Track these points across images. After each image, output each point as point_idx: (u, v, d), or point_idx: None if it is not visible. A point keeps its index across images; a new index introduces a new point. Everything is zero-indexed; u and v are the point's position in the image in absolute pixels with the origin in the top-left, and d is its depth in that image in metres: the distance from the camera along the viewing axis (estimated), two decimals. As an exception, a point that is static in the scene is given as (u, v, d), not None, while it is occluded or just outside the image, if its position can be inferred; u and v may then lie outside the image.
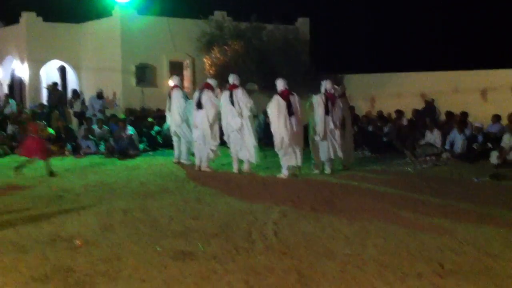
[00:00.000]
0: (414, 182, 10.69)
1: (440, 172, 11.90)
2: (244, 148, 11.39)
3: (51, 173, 11.16)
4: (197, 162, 11.94)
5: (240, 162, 11.62)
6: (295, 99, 10.97)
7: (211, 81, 12.10)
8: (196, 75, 19.49)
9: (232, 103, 11.28)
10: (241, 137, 11.33)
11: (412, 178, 11.25)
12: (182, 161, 12.67)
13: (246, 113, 11.26)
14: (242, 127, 11.29)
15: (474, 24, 22.50)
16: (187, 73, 19.59)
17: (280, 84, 11.08)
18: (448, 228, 7.22)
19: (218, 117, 11.69)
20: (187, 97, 12.63)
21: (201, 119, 11.60)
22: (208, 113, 11.57)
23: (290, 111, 10.83)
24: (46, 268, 5.66)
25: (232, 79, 11.52)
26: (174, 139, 12.89)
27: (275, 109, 10.91)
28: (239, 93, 11.31)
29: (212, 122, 11.61)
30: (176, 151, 12.92)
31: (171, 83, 13.31)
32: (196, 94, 11.97)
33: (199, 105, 11.65)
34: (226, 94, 11.47)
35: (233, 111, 11.28)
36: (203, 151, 11.74)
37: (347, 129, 11.90)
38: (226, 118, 11.47)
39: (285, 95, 10.95)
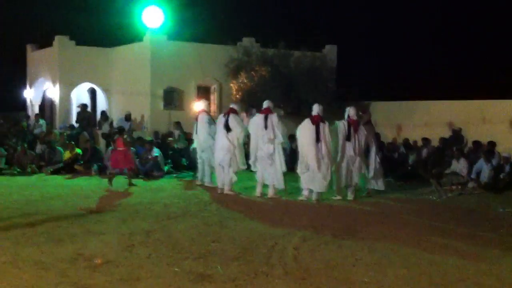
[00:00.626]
0: (439, 211, 10.54)
1: (465, 202, 11.72)
2: (272, 173, 11.44)
3: (131, 184, 12.55)
4: (219, 185, 11.99)
5: (264, 186, 11.64)
6: (325, 126, 11.05)
7: (236, 106, 12.22)
8: (222, 99, 19.66)
9: (265, 127, 11.37)
10: (271, 163, 11.40)
11: (437, 207, 11.10)
12: (206, 184, 12.74)
13: (280, 139, 11.39)
14: (274, 153, 11.38)
15: (503, 53, 22.32)
16: (213, 97, 19.78)
17: (315, 109, 11.25)
18: (472, 259, 7.09)
19: (244, 140, 11.81)
20: (213, 121, 12.74)
21: (230, 142, 11.66)
22: (238, 136, 11.68)
23: (318, 137, 10.89)
24: (65, 286, 5.73)
25: (268, 104, 11.66)
26: (199, 161, 13.02)
27: (303, 132, 11.11)
28: (274, 119, 11.42)
29: (240, 145, 11.75)
30: (199, 174, 13.04)
31: (199, 106, 13.48)
32: (221, 119, 12.05)
33: (228, 128, 11.73)
34: (259, 117, 11.54)
35: (265, 136, 11.37)
36: (227, 174, 11.79)
37: (371, 155, 11.84)
38: (256, 142, 11.54)
39: (315, 121, 11.06)
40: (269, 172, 11.47)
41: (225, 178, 11.83)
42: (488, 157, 13.57)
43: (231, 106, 12.25)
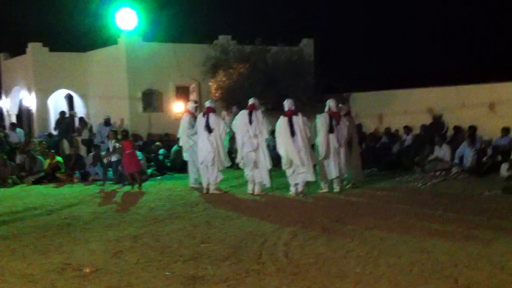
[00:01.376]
0: (425, 198, 10.59)
1: (450, 187, 11.79)
2: (258, 170, 11.44)
3: (140, 186, 12.75)
4: (204, 185, 11.92)
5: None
6: (298, 119, 11.05)
7: (212, 104, 12.15)
8: (202, 99, 19.54)
9: (250, 122, 11.36)
10: (256, 159, 11.38)
11: (423, 194, 11.15)
12: (190, 185, 12.57)
13: (265, 135, 11.43)
14: (258, 148, 11.38)
15: (481, 37, 22.52)
16: (193, 97, 19.64)
17: (286, 105, 11.30)
18: (462, 244, 7.12)
19: (230, 136, 11.88)
20: (194, 121, 12.46)
21: (211, 141, 11.61)
22: (220, 134, 11.66)
23: (293, 131, 10.90)
24: (56, 298, 5.62)
25: (253, 100, 11.66)
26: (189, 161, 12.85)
27: (279, 129, 11.18)
28: (259, 115, 11.44)
29: (223, 143, 11.73)
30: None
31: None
32: (200, 119, 11.93)
33: (209, 129, 11.66)
34: (243, 113, 11.55)
35: (250, 131, 11.37)
36: (212, 173, 11.72)
37: (353, 147, 11.88)
38: (242, 139, 11.51)
39: (288, 115, 11.09)
40: (255, 169, 11.46)
41: (210, 177, 11.76)
42: (471, 141, 13.67)
43: (207, 105, 12.12)
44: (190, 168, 12.54)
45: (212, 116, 11.73)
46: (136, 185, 12.81)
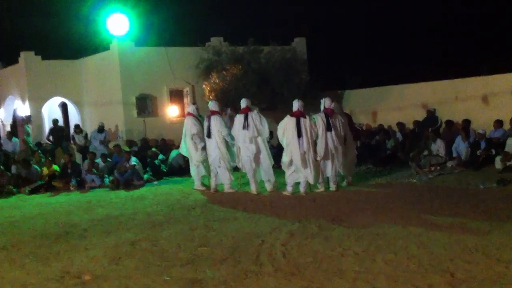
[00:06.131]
0: (421, 194, 10.64)
1: (446, 181, 11.84)
2: (262, 169, 11.71)
3: None
4: (212, 185, 12.24)
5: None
6: (305, 121, 11.09)
7: (214, 105, 12.21)
8: (196, 102, 19.55)
9: (244, 127, 11.47)
10: (257, 160, 11.61)
11: (418, 189, 11.20)
12: (195, 187, 12.77)
13: (265, 134, 11.61)
14: (260, 149, 11.60)
15: (471, 31, 22.57)
16: (187, 100, 19.67)
17: (295, 105, 11.32)
18: (458, 237, 7.17)
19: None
20: (198, 121, 12.51)
21: (214, 147, 11.93)
22: (220, 138, 11.89)
23: (299, 133, 10.93)
24: (56, 306, 5.64)
25: (245, 103, 11.74)
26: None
27: (284, 128, 11.24)
28: (255, 116, 11.55)
29: (225, 146, 11.93)
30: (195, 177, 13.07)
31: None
32: (205, 123, 12.15)
33: (209, 134, 11.96)
34: (240, 118, 11.67)
35: (246, 135, 11.48)
36: (223, 174, 12.02)
37: (348, 144, 11.90)
38: (238, 144, 11.75)
39: (296, 116, 11.14)
40: (261, 168, 11.73)
41: (222, 179, 12.08)
42: (466, 135, 13.72)
43: (210, 108, 12.23)
44: (197, 171, 12.71)
45: (213, 121, 11.93)
46: None
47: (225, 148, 11.99)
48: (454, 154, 13.66)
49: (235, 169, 12.39)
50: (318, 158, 11.25)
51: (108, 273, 6.65)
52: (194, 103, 13.81)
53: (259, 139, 11.60)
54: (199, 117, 12.58)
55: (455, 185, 11.34)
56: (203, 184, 12.72)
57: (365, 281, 5.73)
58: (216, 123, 11.93)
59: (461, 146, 13.62)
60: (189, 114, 12.72)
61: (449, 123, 15.11)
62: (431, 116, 15.80)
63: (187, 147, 12.60)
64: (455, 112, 15.70)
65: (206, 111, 12.65)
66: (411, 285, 5.50)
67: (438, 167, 13.29)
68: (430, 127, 15.12)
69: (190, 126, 12.41)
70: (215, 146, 11.98)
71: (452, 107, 16.04)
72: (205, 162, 12.42)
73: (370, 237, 7.46)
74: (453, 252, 6.54)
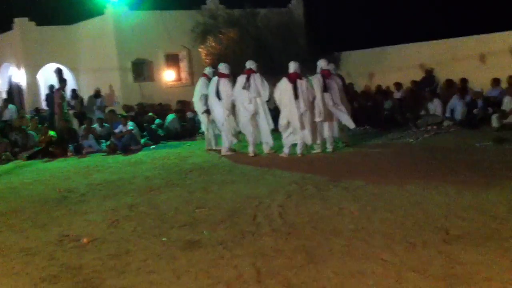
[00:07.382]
0: (417, 153, 10.67)
1: (443, 141, 11.85)
2: (260, 131, 11.74)
3: None
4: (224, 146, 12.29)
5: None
6: (302, 83, 11.01)
7: (224, 68, 12.13)
8: (192, 66, 19.44)
9: (245, 87, 11.45)
10: (256, 122, 11.61)
11: (415, 149, 11.23)
12: (213, 147, 12.85)
13: (266, 97, 11.57)
14: (259, 112, 11.55)
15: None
16: (183, 64, 19.55)
17: (291, 67, 11.22)
18: (454, 195, 7.22)
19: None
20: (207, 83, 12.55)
21: (222, 107, 11.93)
22: (227, 101, 11.84)
23: (296, 95, 10.88)
24: (55, 269, 5.70)
25: (249, 64, 11.68)
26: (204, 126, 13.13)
27: (281, 90, 11.15)
28: (257, 78, 11.47)
29: (229, 110, 11.89)
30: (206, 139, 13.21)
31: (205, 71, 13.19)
32: (213, 83, 12.14)
33: (218, 95, 11.94)
34: (241, 78, 11.60)
35: (246, 96, 11.49)
36: (224, 137, 12.13)
37: (343, 105, 11.86)
38: (238, 105, 11.72)
39: (292, 78, 11.03)
40: (257, 131, 11.73)
41: (223, 140, 12.24)
42: (462, 94, 13.68)
43: (220, 70, 12.15)
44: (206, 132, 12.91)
45: (222, 84, 11.90)
46: None
47: (231, 111, 11.95)
48: (448, 114, 13.62)
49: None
50: (318, 119, 11.21)
51: (107, 236, 6.71)
52: (212, 67, 13.70)
53: (258, 100, 11.54)
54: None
55: (452, 144, 11.35)
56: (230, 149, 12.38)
57: (361, 239, 5.79)
58: (228, 86, 11.86)
59: (458, 106, 13.59)
60: (204, 75, 12.88)
61: (449, 82, 15.05)
62: (429, 75, 15.73)
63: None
64: (452, 71, 15.60)
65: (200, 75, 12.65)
66: (406, 242, 5.55)
67: (435, 127, 13.28)
68: (427, 87, 15.07)
69: (200, 87, 12.62)
70: (221, 108, 11.95)
71: (450, 67, 15.94)
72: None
73: (367, 197, 7.50)
74: (449, 210, 6.59)
